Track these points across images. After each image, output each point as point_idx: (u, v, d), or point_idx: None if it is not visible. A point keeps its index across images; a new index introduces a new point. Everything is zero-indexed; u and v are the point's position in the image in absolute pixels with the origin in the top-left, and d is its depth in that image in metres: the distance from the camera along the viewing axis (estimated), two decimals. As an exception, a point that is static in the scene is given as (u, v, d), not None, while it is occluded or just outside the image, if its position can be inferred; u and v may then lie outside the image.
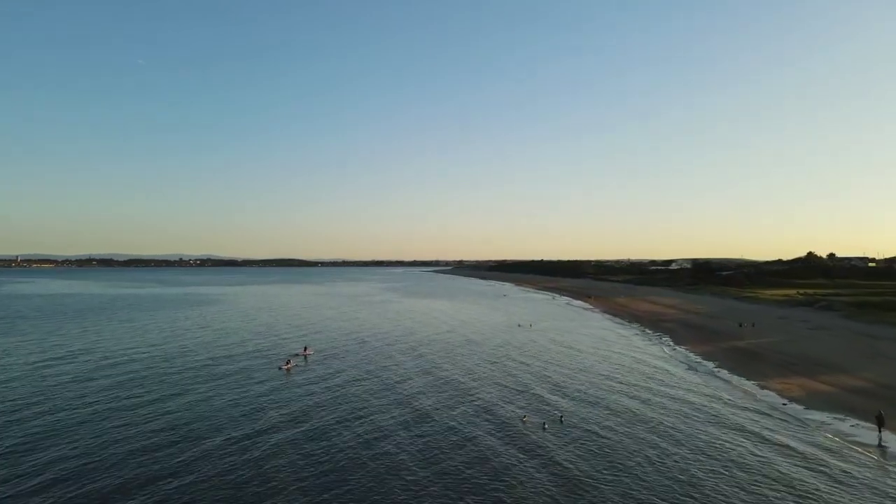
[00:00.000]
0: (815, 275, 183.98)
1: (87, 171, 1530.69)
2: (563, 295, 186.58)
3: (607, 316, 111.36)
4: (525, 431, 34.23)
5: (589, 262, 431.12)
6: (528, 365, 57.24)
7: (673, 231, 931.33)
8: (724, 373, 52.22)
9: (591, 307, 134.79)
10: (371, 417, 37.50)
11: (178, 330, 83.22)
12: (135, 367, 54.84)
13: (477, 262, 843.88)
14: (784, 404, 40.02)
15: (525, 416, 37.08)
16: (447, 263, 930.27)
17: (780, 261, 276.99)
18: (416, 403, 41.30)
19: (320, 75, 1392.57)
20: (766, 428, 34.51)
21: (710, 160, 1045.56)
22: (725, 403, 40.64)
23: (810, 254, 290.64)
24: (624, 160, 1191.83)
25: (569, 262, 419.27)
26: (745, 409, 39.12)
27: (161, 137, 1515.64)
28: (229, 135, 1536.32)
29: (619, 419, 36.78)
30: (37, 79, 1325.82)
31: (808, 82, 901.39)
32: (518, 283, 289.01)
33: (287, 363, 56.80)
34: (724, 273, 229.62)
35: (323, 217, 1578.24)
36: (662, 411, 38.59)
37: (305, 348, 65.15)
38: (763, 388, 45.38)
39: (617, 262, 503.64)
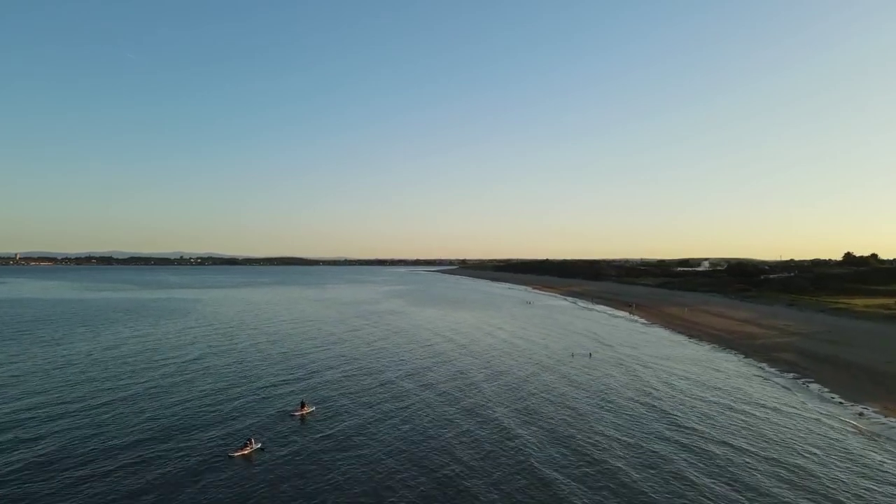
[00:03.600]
0: (888, 280, 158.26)
1: (87, 169, 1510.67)
2: (597, 302, 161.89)
3: (678, 336, 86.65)
4: None
5: (602, 261, 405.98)
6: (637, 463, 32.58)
7: (675, 231, 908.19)
8: None
9: (644, 320, 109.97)
10: None
11: (109, 363, 58.84)
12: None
13: (480, 261, 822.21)
14: None
15: None
16: (450, 262, 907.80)
17: (827, 261, 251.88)
18: None
19: (324, 74, 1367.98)
20: None
21: (712, 160, 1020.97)
22: None
23: (849, 254, 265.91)
24: (626, 160, 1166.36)
25: (584, 262, 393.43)
26: None
27: (162, 135, 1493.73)
28: (231, 133, 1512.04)
29: None
30: (37, 77, 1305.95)
31: (811, 85, 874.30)
32: (535, 285, 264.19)
33: (246, 445, 33.18)
34: (773, 276, 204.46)
35: (325, 216, 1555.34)
36: None
37: (302, 405, 42.15)
38: None
39: (626, 261, 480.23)
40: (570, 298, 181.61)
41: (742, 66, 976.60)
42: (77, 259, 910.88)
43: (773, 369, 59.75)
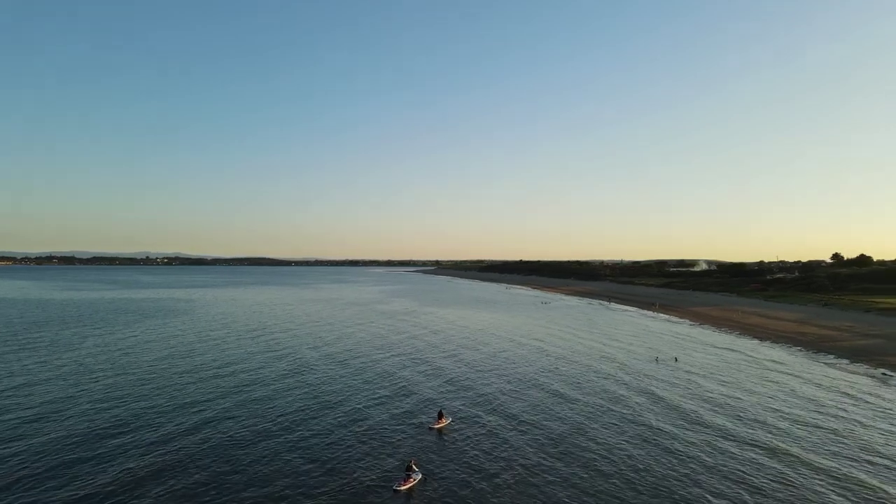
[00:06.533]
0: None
1: (49, 167, 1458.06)
2: (614, 302, 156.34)
3: (749, 339, 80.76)
4: None
5: (591, 262, 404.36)
6: None
7: (640, 233, 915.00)
8: None
9: (689, 322, 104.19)
10: None
11: (177, 380, 49.49)
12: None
13: (455, 262, 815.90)
14: None
15: None
16: (424, 263, 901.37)
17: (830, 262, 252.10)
18: None
19: (300, 74, 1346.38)
20: None
21: (683, 165, 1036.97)
22: None
23: (837, 255, 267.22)
24: (603, 162, 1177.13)
25: (575, 262, 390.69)
26: None
27: (126, 134, 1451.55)
28: (198, 132, 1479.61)
29: None
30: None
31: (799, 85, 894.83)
32: (532, 286, 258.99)
33: (409, 477, 26.60)
34: (781, 276, 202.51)
35: (294, 215, 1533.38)
36: None
37: (440, 415, 37.00)
38: None
39: (602, 262, 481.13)
40: (582, 298, 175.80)
41: (709, 74, 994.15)
42: (38, 259, 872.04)
43: (906, 377, 54.04)
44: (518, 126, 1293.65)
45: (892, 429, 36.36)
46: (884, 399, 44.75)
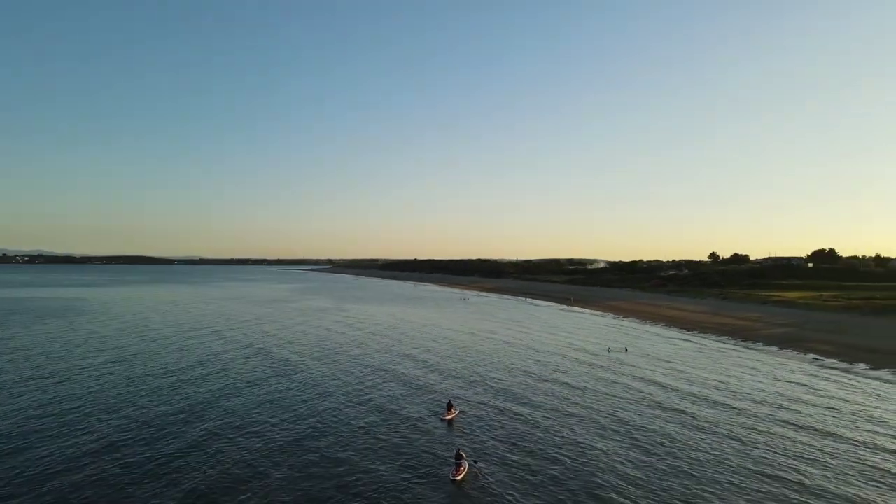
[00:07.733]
0: (784, 275, 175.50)
1: None
2: (532, 298, 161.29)
3: (677, 331, 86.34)
4: None
5: (493, 260, 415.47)
6: None
7: (530, 232, 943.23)
8: None
9: (613, 315, 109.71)
10: None
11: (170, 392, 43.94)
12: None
13: (349, 260, 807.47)
14: None
15: None
16: (317, 262, 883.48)
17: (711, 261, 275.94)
18: None
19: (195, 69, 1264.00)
20: None
21: (565, 164, 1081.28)
22: None
23: (714, 254, 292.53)
24: (486, 157, 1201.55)
25: (479, 260, 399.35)
26: None
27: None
28: (63, 118, 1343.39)
29: None
30: None
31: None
32: (440, 283, 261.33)
33: (460, 465, 26.63)
34: (672, 273, 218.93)
35: (173, 211, 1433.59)
36: None
37: (450, 406, 36.56)
38: None
39: (497, 261, 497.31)
40: (497, 295, 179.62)
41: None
42: None
43: (834, 360, 59.89)
44: (407, 127, 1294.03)
45: (875, 402, 40.37)
46: (844, 377, 49.73)
